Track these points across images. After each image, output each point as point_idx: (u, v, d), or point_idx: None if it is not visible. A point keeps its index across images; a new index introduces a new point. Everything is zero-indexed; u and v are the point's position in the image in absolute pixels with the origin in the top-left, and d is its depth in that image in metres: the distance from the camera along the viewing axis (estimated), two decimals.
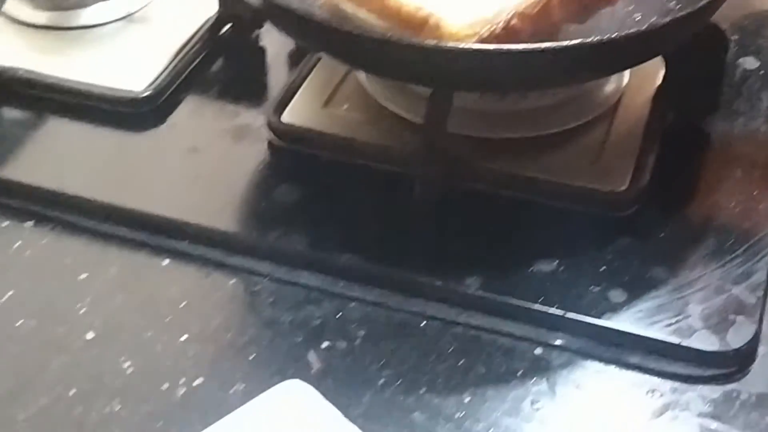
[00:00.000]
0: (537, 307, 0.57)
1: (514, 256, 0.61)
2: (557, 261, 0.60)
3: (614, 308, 0.57)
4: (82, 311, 0.58)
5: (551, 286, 0.59)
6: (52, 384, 0.55)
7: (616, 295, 0.58)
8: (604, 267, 0.60)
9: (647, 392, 0.55)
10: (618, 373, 0.56)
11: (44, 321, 0.58)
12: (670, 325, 0.56)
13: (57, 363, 0.56)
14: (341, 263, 0.60)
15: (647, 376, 0.55)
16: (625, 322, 0.57)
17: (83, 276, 0.60)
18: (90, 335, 0.57)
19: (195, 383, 0.54)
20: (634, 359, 0.56)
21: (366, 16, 0.62)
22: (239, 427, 0.51)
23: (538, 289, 0.58)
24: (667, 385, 0.55)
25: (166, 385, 0.54)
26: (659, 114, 0.68)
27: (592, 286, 0.59)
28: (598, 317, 0.57)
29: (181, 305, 0.59)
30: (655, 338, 0.56)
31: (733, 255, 0.61)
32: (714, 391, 0.55)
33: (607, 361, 0.56)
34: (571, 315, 0.57)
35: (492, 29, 0.60)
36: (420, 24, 0.60)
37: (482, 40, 0.59)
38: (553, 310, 0.57)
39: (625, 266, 0.60)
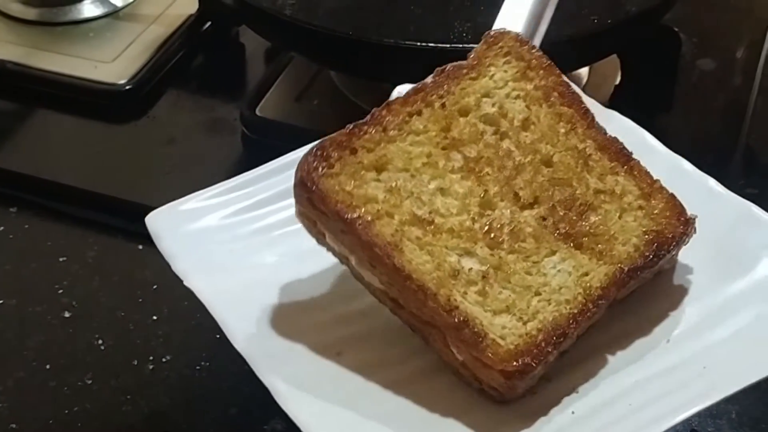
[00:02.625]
0: None
1: None
2: None
3: None
4: (60, 291, 0.62)
5: None
6: (29, 359, 0.58)
7: None
8: None
9: None
10: None
11: (24, 300, 0.62)
12: None
13: (35, 339, 0.59)
14: None
15: None
16: None
17: (62, 259, 0.64)
18: (66, 314, 0.60)
19: (163, 360, 0.58)
20: None
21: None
22: None
23: None
24: None
25: (135, 362, 0.58)
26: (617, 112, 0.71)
27: None
28: None
29: (153, 288, 0.62)
30: None
31: None
32: None
33: None
34: None
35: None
36: (452, 327, 0.45)
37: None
38: None
39: None
